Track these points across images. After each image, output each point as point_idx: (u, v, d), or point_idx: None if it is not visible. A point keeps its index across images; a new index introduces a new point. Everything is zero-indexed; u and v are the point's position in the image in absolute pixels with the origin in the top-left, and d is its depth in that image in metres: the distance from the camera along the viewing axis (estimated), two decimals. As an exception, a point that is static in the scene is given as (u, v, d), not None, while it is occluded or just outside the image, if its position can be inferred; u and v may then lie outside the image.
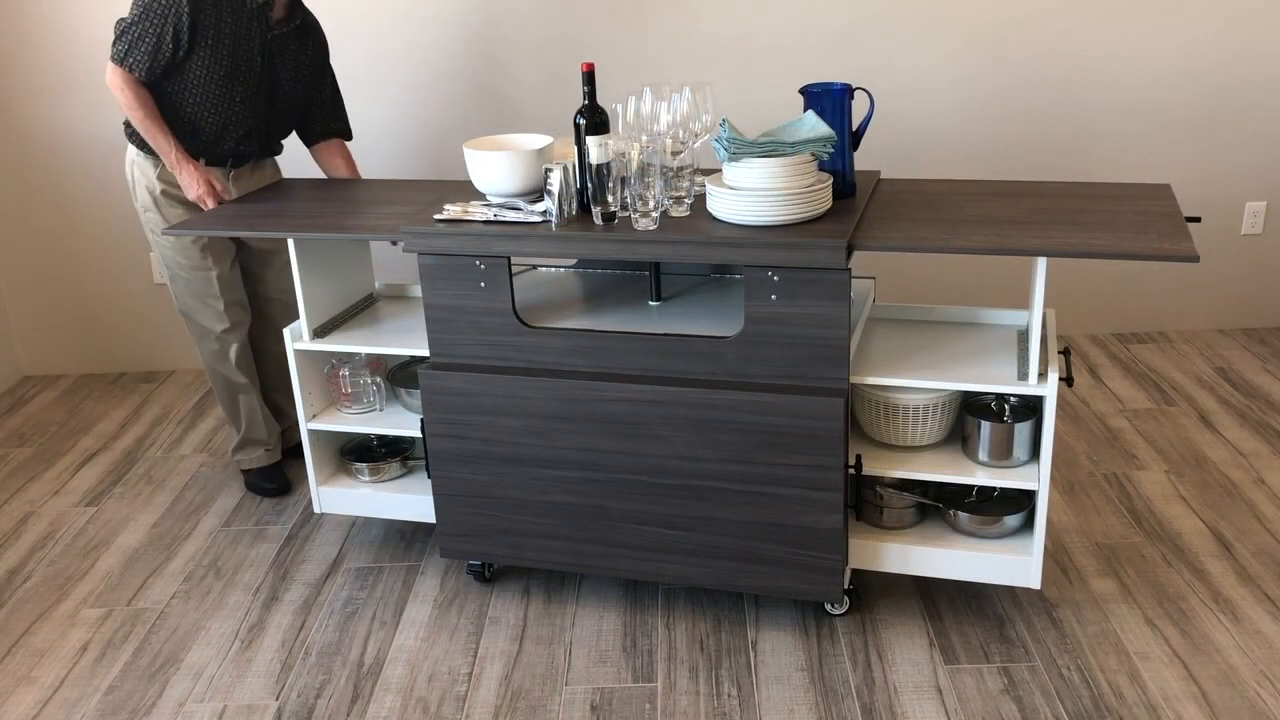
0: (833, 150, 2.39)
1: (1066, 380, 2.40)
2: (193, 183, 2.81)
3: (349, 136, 3.14)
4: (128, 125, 2.90)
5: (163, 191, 2.94)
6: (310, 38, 2.97)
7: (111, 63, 2.77)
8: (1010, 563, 2.41)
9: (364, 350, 2.70)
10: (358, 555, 2.92)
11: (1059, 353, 2.42)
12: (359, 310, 2.93)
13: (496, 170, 2.46)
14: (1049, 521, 2.89)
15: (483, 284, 2.46)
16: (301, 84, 2.99)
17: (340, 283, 2.87)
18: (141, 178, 2.95)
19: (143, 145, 2.91)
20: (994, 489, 2.52)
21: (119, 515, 3.17)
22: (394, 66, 3.81)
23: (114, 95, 2.79)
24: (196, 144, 2.88)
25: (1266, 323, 4.11)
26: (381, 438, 2.94)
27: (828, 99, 2.43)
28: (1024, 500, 2.49)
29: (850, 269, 2.23)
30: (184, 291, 3.03)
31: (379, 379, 2.82)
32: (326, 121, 3.09)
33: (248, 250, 3.11)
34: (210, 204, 2.83)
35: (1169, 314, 4.10)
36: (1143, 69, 3.78)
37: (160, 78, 2.80)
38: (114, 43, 2.76)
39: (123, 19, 2.75)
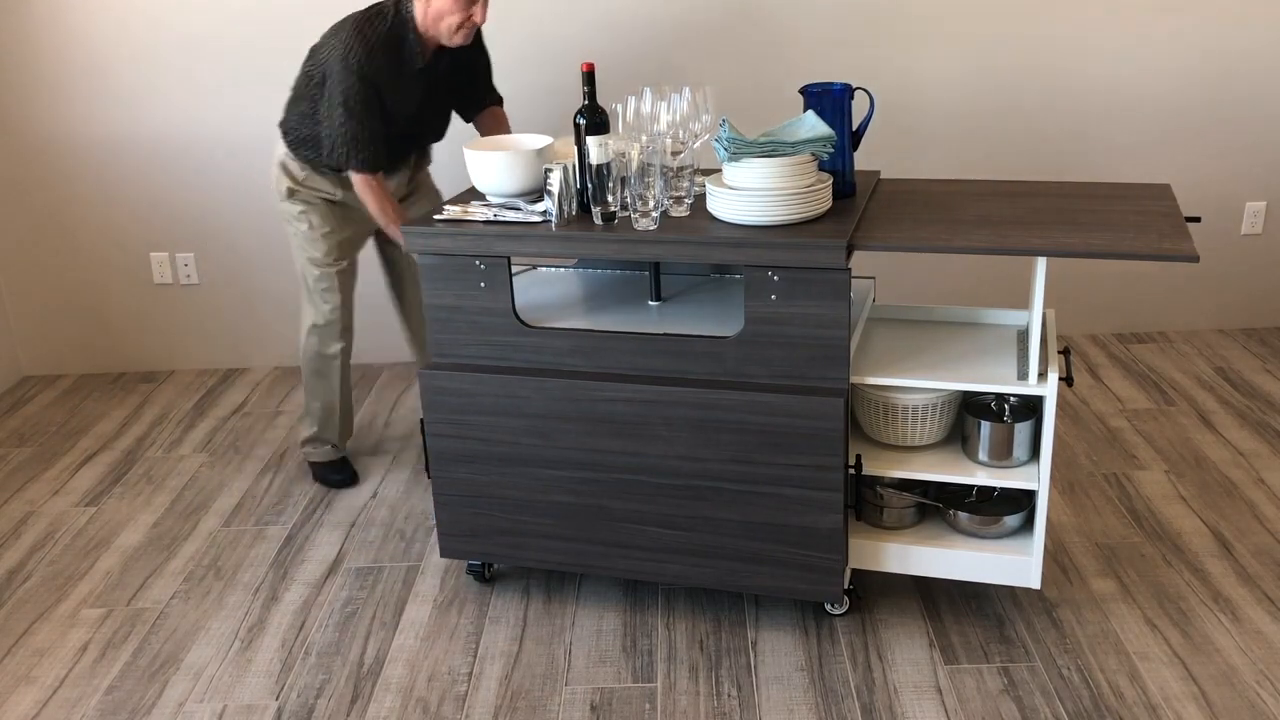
0: (833, 150, 2.39)
1: (1066, 380, 2.40)
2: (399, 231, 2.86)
3: (501, 103, 3.14)
4: (286, 125, 2.97)
5: (298, 193, 3.02)
6: (460, 53, 2.95)
7: (359, 174, 2.80)
8: (1010, 563, 2.41)
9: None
10: (358, 555, 2.92)
11: (1059, 353, 2.42)
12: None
13: (496, 170, 2.46)
14: (1049, 521, 2.89)
15: (483, 284, 2.46)
16: (455, 91, 3.02)
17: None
18: (285, 178, 3.01)
19: (296, 145, 2.96)
20: (994, 489, 2.53)
21: (119, 515, 3.17)
22: (394, 66, 3.80)
23: (365, 199, 2.84)
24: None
25: (1266, 323, 4.11)
26: None
27: (828, 99, 2.43)
28: (1024, 500, 2.49)
29: (850, 269, 2.23)
30: (310, 284, 3.08)
31: None
32: (480, 102, 3.09)
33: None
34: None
35: (1169, 314, 4.10)
36: (1143, 69, 3.78)
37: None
38: (344, 156, 2.78)
39: (324, 128, 2.80)
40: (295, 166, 2.99)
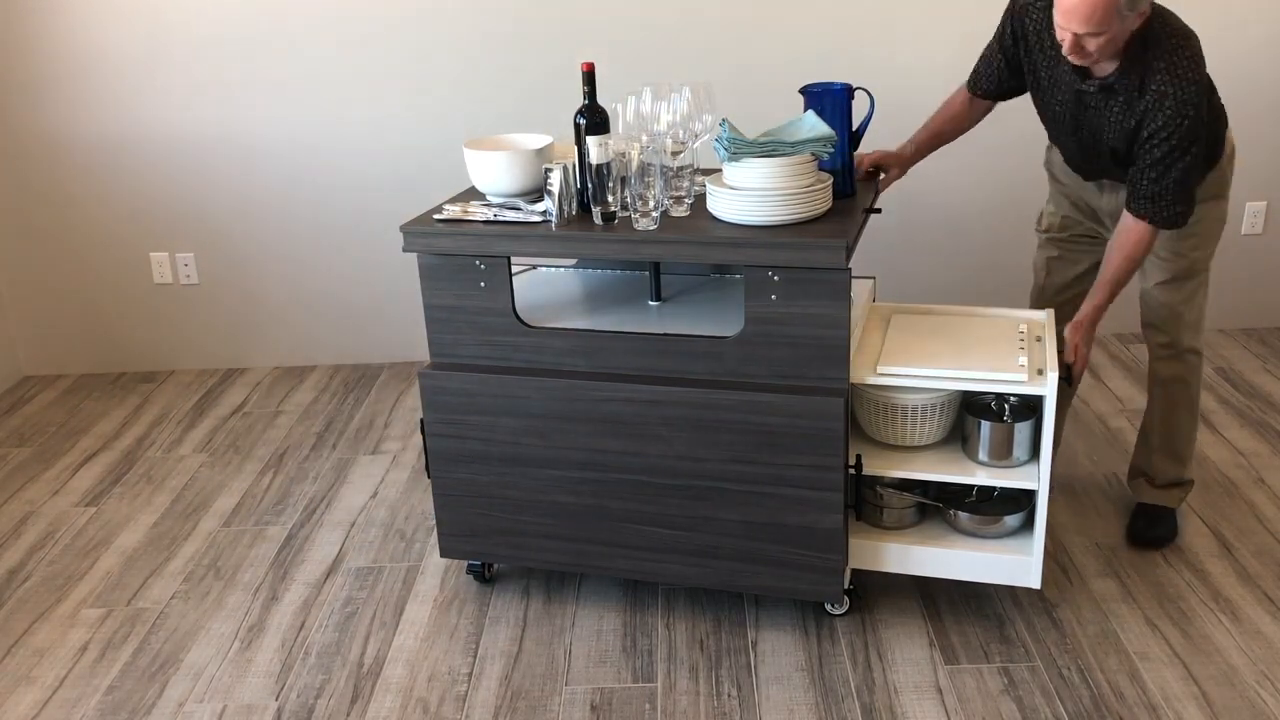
0: (833, 150, 2.39)
1: (1066, 379, 2.40)
2: None
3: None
4: None
5: None
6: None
7: (1157, 227, 2.42)
8: (1010, 562, 2.40)
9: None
10: (358, 555, 2.92)
11: (1059, 351, 2.42)
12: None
13: (496, 170, 2.46)
14: (1049, 521, 2.89)
15: (483, 284, 2.46)
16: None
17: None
18: None
19: None
20: (993, 489, 2.52)
21: (119, 515, 3.17)
22: (394, 66, 3.81)
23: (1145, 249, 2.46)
24: None
25: (1266, 323, 4.11)
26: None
27: (828, 99, 2.43)
28: (1024, 500, 2.49)
29: (850, 269, 2.23)
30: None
31: None
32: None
33: None
34: None
35: (1169, 314, 4.10)
36: (1143, 69, 3.78)
37: None
38: (1179, 204, 2.37)
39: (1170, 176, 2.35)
40: None
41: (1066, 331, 2.51)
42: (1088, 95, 2.41)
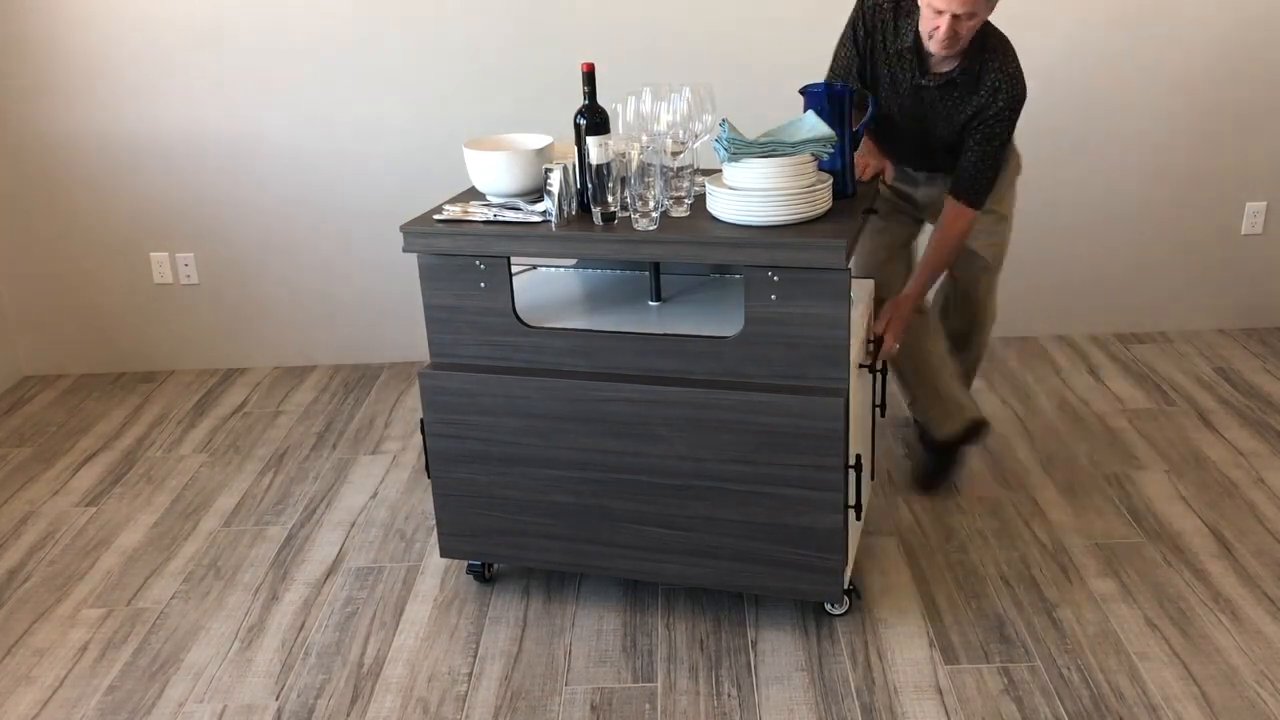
0: (832, 150, 2.39)
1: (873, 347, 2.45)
2: None
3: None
4: None
5: None
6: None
7: (976, 210, 2.70)
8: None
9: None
10: (358, 555, 2.92)
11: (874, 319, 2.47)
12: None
13: (496, 170, 2.46)
14: (1050, 521, 2.89)
15: (483, 284, 2.45)
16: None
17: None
18: None
19: None
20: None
21: (119, 515, 3.17)
22: (394, 67, 3.81)
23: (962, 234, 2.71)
24: None
25: (1266, 323, 4.11)
26: None
27: (828, 99, 2.43)
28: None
29: (850, 269, 2.23)
30: None
31: None
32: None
33: None
34: None
35: (1169, 314, 4.10)
36: (1143, 68, 3.78)
37: None
38: (983, 194, 2.66)
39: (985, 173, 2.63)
40: None
41: (886, 305, 2.74)
42: (926, 91, 2.62)
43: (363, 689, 2.42)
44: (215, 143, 3.89)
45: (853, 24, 2.67)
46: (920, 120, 2.69)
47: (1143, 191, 3.93)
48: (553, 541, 2.57)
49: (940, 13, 2.43)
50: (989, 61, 2.56)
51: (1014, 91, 2.57)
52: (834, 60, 2.73)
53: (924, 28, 2.51)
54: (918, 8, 2.54)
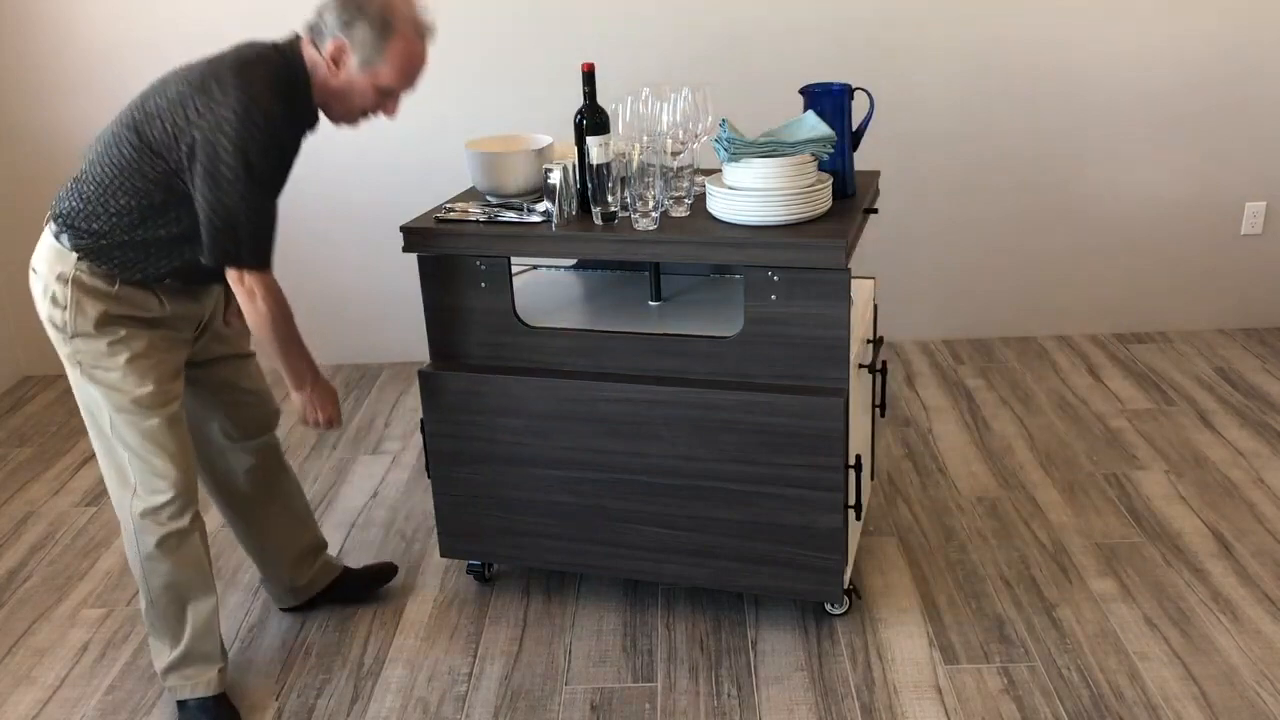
0: (833, 150, 2.39)
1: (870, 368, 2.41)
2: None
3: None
4: (86, 225, 2.13)
5: (114, 319, 2.16)
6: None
7: (257, 274, 2.08)
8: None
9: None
10: (358, 555, 2.92)
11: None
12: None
13: (496, 170, 2.46)
14: (1050, 521, 2.89)
15: (483, 284, 2.46)
16: None
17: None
18: (92, 300, 2.15)
19: (103, 251, 2.13)
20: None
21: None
22: (394, 66, 3.80)
23: (265, 311, 2.11)
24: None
25: (1266, 323, 4.11)
26: None
27: (828, 99, 2.43)
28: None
29: (850, 269, 2.23)
30: (133, 446, 2.22)
31: None
32: None
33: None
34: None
35: (1169, 314, 4.10)
36: (1142, 68, 3.78)
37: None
38: (241, 254, 2.05)
39: (212, 221, 2.03)
40: (100, 281, 2.13)
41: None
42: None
43: (363, 689, 2.42)
44: (215, 143, 3.89)
45: (289, 141, 2.14)
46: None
47: (1142, 191, 3.93)
48: (553, 541, 2.57)
49: (405, 89, 2.15)
50: None
51: None
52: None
53: (362, 106, 2.16)
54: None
